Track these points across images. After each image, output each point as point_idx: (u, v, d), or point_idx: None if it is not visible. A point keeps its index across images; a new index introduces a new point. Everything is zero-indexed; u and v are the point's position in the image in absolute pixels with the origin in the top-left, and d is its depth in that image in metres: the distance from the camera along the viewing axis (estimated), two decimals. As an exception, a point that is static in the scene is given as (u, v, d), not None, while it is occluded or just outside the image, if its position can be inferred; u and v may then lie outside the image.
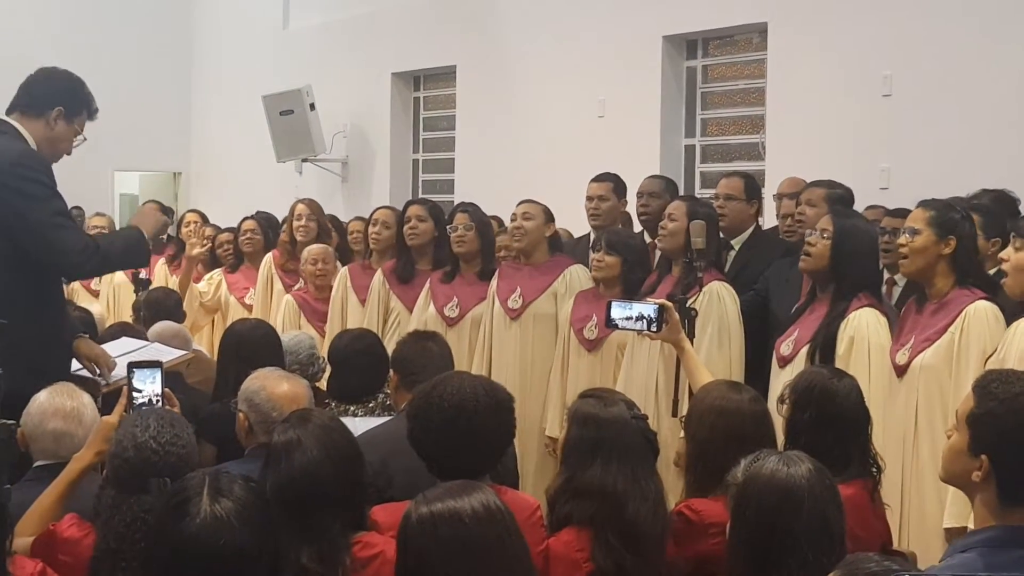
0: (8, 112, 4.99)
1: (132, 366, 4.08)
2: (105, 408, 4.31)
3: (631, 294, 5.83)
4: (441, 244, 6.93)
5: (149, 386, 4.03)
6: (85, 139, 5.09)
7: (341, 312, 7.44)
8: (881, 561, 2.23)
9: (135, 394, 4.00)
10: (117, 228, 11.20)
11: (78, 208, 14.37)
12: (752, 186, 6.51)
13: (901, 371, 4.78)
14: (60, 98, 4.98)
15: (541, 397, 6.35)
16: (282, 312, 7.79)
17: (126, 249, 5.12)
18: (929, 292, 4.82)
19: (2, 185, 4.72)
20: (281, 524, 3.15)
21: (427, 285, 6.81)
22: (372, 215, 7.63)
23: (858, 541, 3.27)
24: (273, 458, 3.47)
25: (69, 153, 5.09)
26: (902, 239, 4.84)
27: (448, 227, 6.77)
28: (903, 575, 1.89)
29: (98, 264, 5.07)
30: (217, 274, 8.52)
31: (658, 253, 6.25)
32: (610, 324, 5.01)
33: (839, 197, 5.96)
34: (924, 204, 4.88)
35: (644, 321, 4.86)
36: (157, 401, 4.02)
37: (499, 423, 3.79)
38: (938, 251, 4.74)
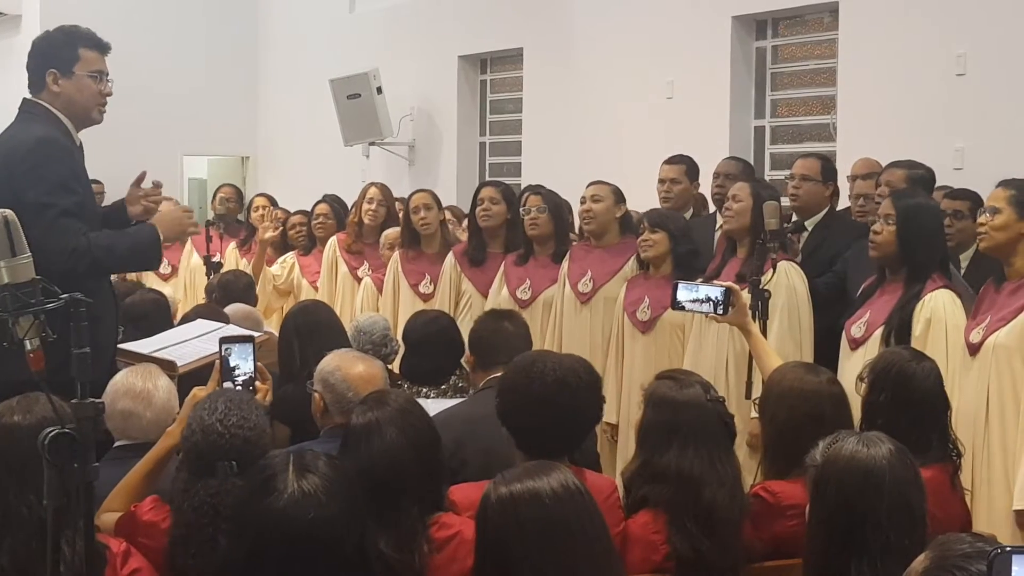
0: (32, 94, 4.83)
1: (225, 341, 4.07)
2: (182, 389, 4.33)
3: (683, 270, 5.83)
4: (514, 226, 6.92)
5: (245, 363, 4.02)
6: (111, 79, 4.80)
7: (394, 295, 7.47)
8: (974, 542, 2.19)
9: (236, 372, 3.99)
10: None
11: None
12: (828, 167, 6.45)
13: (974, 350, 4.72)
14: (46, 62, 4.75)
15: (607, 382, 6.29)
16: (361, 295, 7.86)
17: (132, 250, 4.81)
18: (1008, 271, 4.77)
19: (11, 175, 4.54)
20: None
21: (502, 268, 6.80)
22: (409, 200, 7.60)
23: (937, 523, 3.23)
24: (351, 441, 3.44)
25: (110, 93, 4.83)
26: (982, 218, 4.80)
27: (520, 209, 6.75)
28: (999, 551, 1.85)
29: (88, 267, 4.58)
30: (290, 257, 8.58)
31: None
32: (676, 306, 4.92)
33: (920, 178, 5.89)
34: (1005, 184, 4.83)
35: (711, 304, 4.77)
36: (251, 376, 4.02)
37: (594, 401, 3.80)
38: (1019, 230, 4.69)
